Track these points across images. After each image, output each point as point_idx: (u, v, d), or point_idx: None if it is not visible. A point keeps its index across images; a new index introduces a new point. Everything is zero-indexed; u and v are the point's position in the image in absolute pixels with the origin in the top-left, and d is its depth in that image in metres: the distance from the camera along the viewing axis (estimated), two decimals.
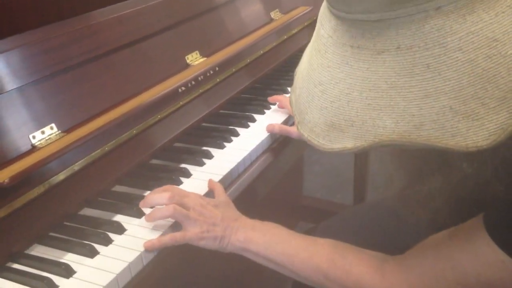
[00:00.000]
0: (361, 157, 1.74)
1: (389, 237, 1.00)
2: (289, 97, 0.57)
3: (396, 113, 0.42)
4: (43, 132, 0.89)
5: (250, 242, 0.82)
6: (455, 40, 0.41)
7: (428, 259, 0.65)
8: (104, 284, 0.75)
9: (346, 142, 0.46)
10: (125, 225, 0.87)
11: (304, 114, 0.51)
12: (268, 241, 0.81)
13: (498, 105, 0.40)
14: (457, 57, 0.41)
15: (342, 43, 0.46)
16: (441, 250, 0.64)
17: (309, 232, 1.12)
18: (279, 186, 1.66)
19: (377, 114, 0.43)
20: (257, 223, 0.85)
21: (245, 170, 1.07)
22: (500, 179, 0.52)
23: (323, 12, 0.52)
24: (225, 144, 1.12)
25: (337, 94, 0.46)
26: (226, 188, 0.98)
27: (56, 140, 0.89)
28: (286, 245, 0.80)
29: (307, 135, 0.51)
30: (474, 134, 0.40)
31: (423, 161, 0.61)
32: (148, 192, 0.95)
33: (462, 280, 0.60)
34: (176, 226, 0.87)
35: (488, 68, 0.40)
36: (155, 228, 0.86)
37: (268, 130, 1.13)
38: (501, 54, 0.40)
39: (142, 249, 0.81)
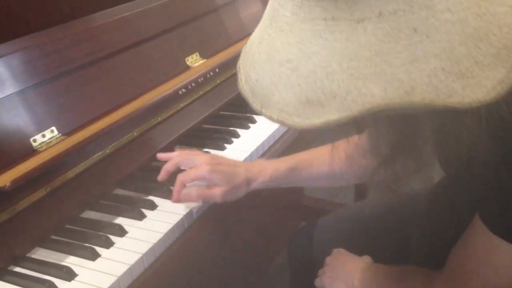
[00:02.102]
0: None
1: (386, 234, 1.00)
2: (241, 90, 0.53)
3: (383, 80, 0.41)
4: (43, 136, 0.89)
5: None
6: (443, 2, 0.40)
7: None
8: (106, 286, 0.75)
9: (329, 115, 0.43)
10: (126, 228, 0.87)
11: (270, 97, 0.47)
12: None
13: (493, 61, 0.39)
14: (446, 18, 0.40)
15: (311, 18, 0.44)
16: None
17: (307, 229, 1.12)
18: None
19: (362, 83, 0.41)
20: None
21: None
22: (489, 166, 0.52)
23: None
24: (226, 145, 1.12)
25: (311, 68, 0.44)
26: None
27: (57, 143, 0.89)
28: None
29: (276, 116, 0.47)
30: (472, 92, 0.39)
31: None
32: (150, 196, 0.95)
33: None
34: (177, 227, 0.87)
35: (479, 27, 0.40)
36: (156, 230, 0.86)
37: (179, 200, 0.91)
38: (490, 12, 0.40)
39: (143, 251, 0.81)
